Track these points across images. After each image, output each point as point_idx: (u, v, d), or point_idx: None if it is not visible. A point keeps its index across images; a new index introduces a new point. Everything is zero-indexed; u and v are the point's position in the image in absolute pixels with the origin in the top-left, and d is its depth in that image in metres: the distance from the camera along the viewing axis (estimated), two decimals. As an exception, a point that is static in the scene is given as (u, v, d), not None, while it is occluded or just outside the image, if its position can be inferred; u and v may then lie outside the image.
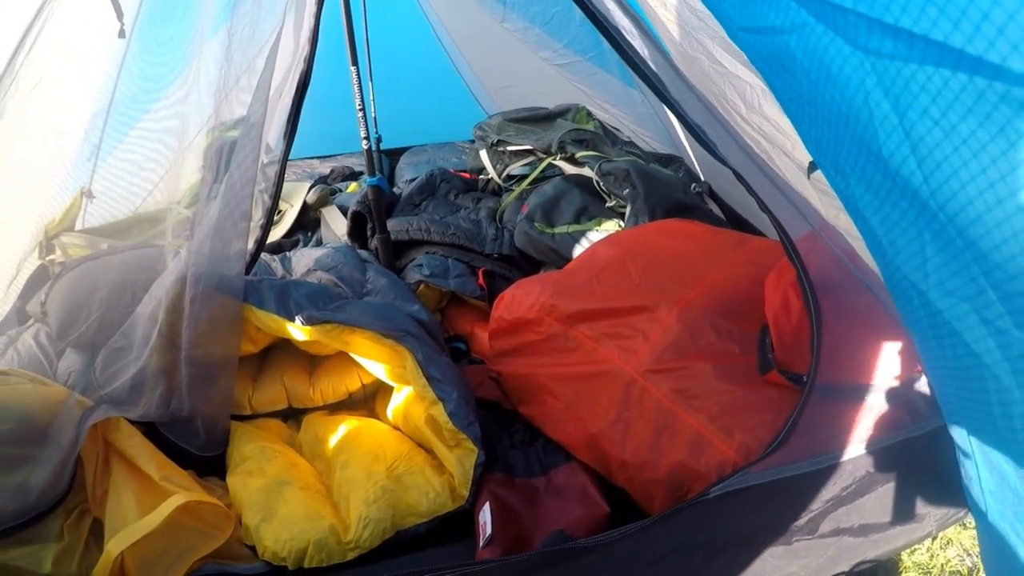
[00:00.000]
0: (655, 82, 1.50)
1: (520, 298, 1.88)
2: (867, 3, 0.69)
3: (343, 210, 3.11)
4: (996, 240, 0.69)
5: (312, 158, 4.31)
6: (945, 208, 0.73)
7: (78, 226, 2.40)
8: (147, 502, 1.54)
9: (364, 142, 2.31)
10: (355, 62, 2.16)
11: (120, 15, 1.84)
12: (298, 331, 1.74)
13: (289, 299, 1.79)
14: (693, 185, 2.65)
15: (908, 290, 0.90)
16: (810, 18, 0.79)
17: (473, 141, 3.30)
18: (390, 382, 1.80)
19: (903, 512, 1.40)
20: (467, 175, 3.16)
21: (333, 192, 3.47)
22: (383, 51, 3.39)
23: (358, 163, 4.11)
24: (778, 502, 1.40)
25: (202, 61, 1.88)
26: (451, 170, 3.17)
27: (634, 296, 1.75)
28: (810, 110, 0.90)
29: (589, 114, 3.13)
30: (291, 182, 3.40)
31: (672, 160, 3.02)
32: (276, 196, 1.96)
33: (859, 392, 1.42)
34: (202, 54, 1.88)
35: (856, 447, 1.39)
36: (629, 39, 1.54)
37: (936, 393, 1.06)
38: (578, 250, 2.33)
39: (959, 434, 1.07)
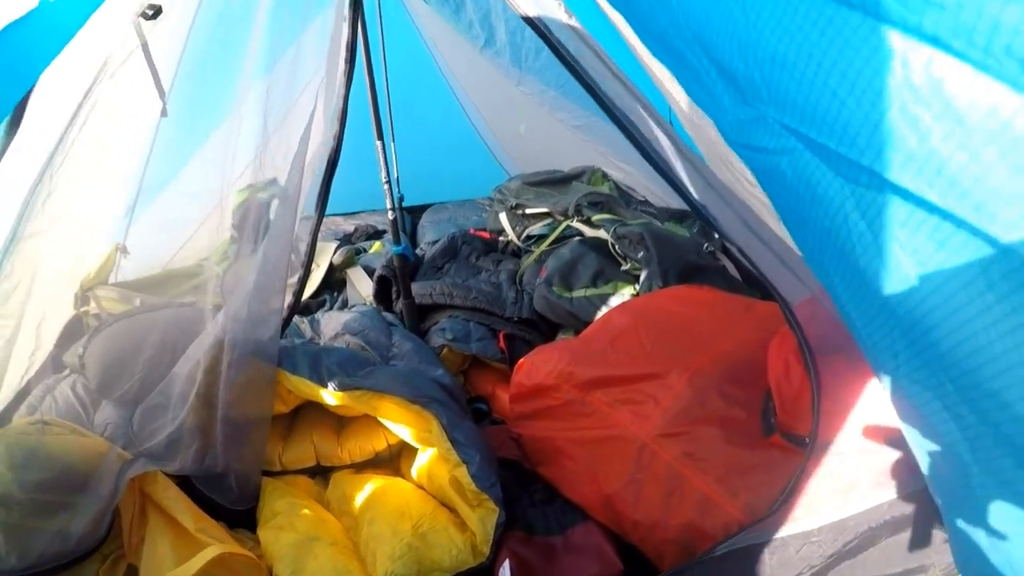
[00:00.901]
0: (660, 163, 1.65)
1: (539, 365, 2.01)
2: (846, 146, 0.85)
3: (368, 271, 3.28)
4: (951, 343, 0.84)
5: (336, 215, 4.48)
6: (910, 314, 0.88)
7: (111, 280, 2.57)
8: (183, 552, 1.67)
9: (390, 212, 2.48)
10: (380, 137, 2.34)
11: (163, 95, 2.02)
12: (330, 396, 1.89)
13: (321, 365, 1.94)
14: (706, 245, 2.77)
15: (883, 376, 1.05)
16: (799, 144, 0.94)
17: (492, 200, 3.49)
18: (415, 444, 1.92)
19: (907, 564, 1.46)
20: (487, 234, 3.32)
21: (358, 252, 3.64)
22: (404, 111, 3.58)
23: (381, 221, 4.31)
24: (781, 559, 1.49)
25: (238, 123, 2.06)
26: (471, 230, 3.34)
27: (646, 363, 1.87)
28: (797, 217, 1.05)
29: (604, 175, 3.30)
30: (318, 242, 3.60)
31: (686, 216, 3.15)
32: (308, 266, 2.12)
33: (860, 450, 1.49)
34: (239, 115, 2.06)
35: (857, 503, 1.46)
36: (635, 121, 1.70)
37: (918, 461, 1.20)
38: (595, 313, 2.46)
39: (939, 500, 1.20)
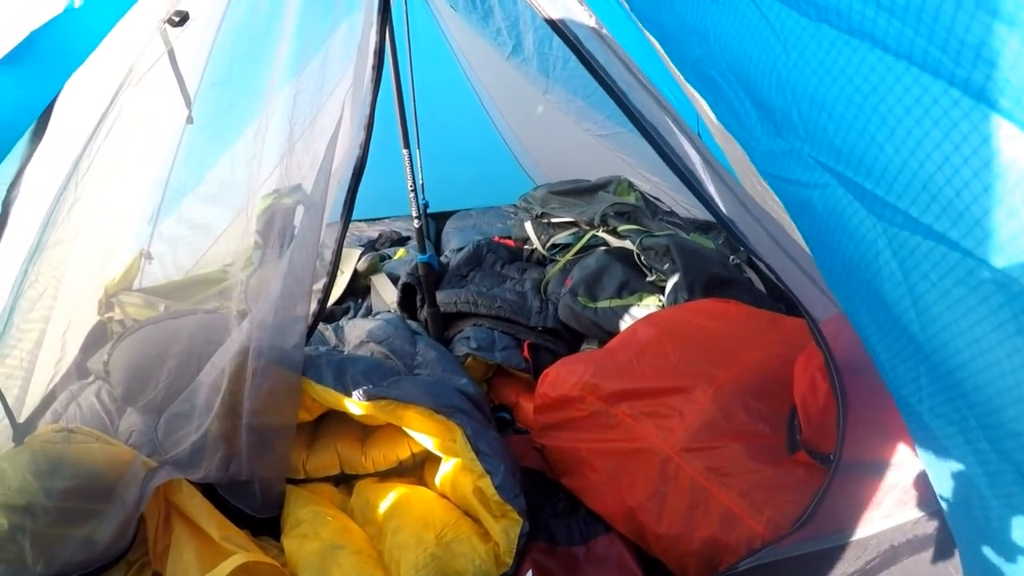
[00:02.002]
0: (688, 175, 1.69)
1: (564, 376, 2.06)
2: (883, 189, 0.89)
3: (392, 278, 3.35)
4: (978, 382, 0.89)
5: (360, 221, 4.58)
6: (937, 352, 0.93)
7: (135, 286, 2.63)
8: (208, 560, 1.73)
9: (416, 221, 2.53)
10: (407, 145, 2.39)
11: (189, 103, 2.07)
12: (355, 406, 1.95)
13: (346, 375, 2.00)
14: (732, 257, 2.82)
15: (905, 407, 1.10)
16: (832, 180, 0.99)
17: (517, 206, 3.54)
18: (439, 453, 1.98)
19: None
20: (511, 242, 3.39)
21: (383, 259, 3.72)
22: (430, 117, 3.63)
23: (405, 227, 4.39)
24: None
25: (264, 129, 2.10)
26: (496, 237, 3.40)
27: (672, 377, 1.92)
28: (826, 249, 1.10)
29: (630, 186, 3.35)
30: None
31: (711, 228, 3.22)
32: (333, 273, 2.17)
33: (883, 469, 1.53)
34: (265, 121, 2.11)
35: (879, 523, 1.50)
36: (664, 133, 1.74)
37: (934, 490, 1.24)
38: (620, 324, 2.52)
39: (953, 530, 1.25)
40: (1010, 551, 1.01)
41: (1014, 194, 0.74)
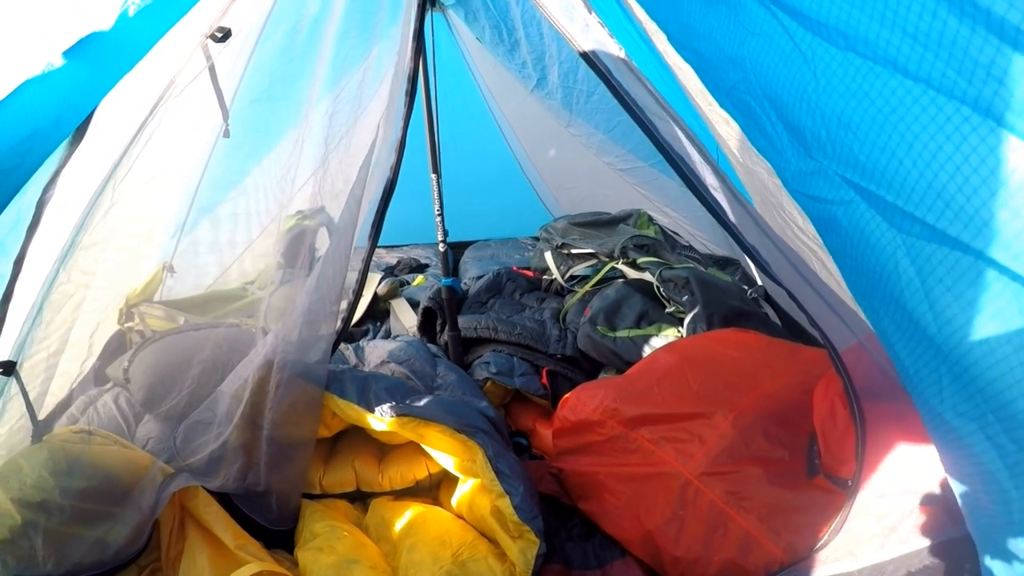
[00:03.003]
0: (715, 207, 1.84)
1: (584, 400, 2.19)
2: (903, 199, 1.05)
3: (411, 303, 3.52)
4: (991, 378, 1.03)
5: (379, 247, 4.68)
6: (954, 352, 1.07)
7: (156, 298, 2.77)
8: (221, 568, 1.84)
9: (441, 245, 2.70)
10: (436, 170, 2.55)
11: (226, 116, 2.24)
12: (378, 422, 2.07)
13: (369, 391, 2.12)
14: (749, 291, 2.95)
15: (929, 410, 1.23)
16: (856, 197, 1.14)
17: (535, 238, 3.72)
18: (457, 473, 2.09)
19: None
20: (530, 273, 3.55)
21: (402, 284, 3.90)
22: (450, 146, 3.80)
23: (423, 255, 4.62)
24: None
25: (299, 149, 2.26)
26: (515, 267, 3.56)
27: (692, 403, 2.05)
28: (852, 263, 1.25)
29: (650, 219, 3.52)
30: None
31: (729, 263, 3.39)
32: (359, 292, 2.31)
33: (901, 495, 1.63)
34: (299, 140, 2.27)
35: (897, 548, 1.60)
36: (692, 165, 1.89)
37: (956, 495, 1.36)
38: (638, 354, 2.64)
39: (975, 534, 1.37)
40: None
41: (1016, 197, 0.89)
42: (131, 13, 1.46)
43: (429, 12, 3.14)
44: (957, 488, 1.30)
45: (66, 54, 1.39)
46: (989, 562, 1.29)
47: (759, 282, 3.08)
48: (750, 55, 1.28)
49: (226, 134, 2.27)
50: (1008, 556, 1.21)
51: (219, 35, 2.07)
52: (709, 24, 1.39)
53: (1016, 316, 0.96)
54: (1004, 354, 1.00)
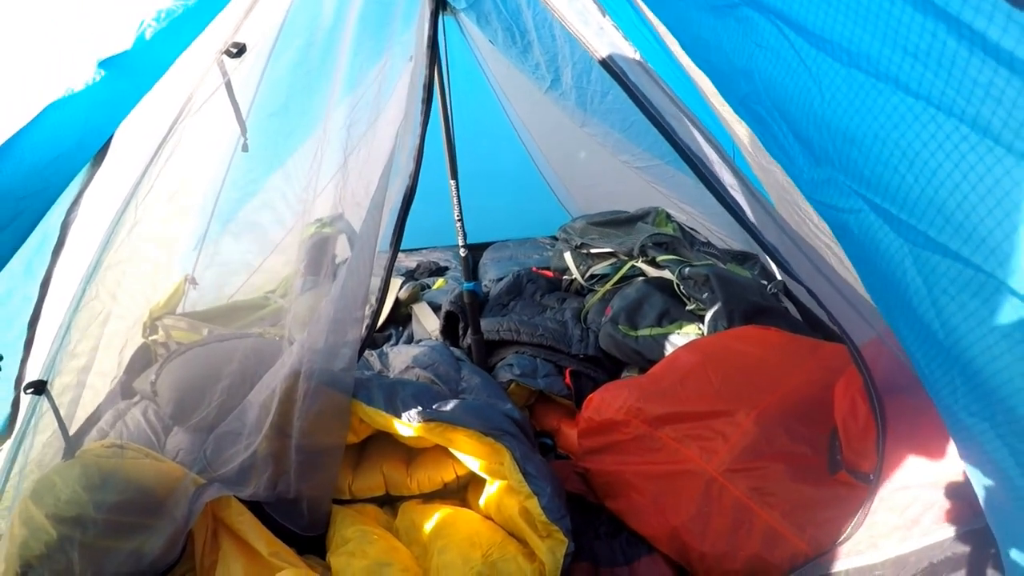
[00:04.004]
0: (733, 205, 1.89)
1: (609, 401, 2.27)
2: (906, 213, 1.12)
3: (433, 306, 3.61)
4: (997, 384, 1.10)
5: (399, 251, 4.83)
6: (962, 357, 1.15)
7: (179, 310, 2.87)
8: (255, 575, 1.92)
9: (462, 250, 2.78)
10: (454, 176, 2.63)
11: (244, 130, 2.33)
12: (405, 427, 2.14)
13: (396, 397, 2.20)
14: (769, 286, 3.02)
15: (945, 408, 1.30)
16: (865, 206, 1.21)
17: (554, 238, 3.81)
18: (484, 476, 2.17)
19: None
20: (550, 273, 3.64)
21: (423, 288, 4.00)
22: (466, 149, 3.87)
23: (442, 257, 4.71)
24: None
25: (319, 159, 2.33)
26: (534, 268, 3.66)
27: (715, 401, 2.13)
28: (865, 266, 1.33)
29: (668, 216, 3.60)
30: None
31: (748, 258, 3.45)
32: (382, 299, 2.40)
33: (923, 488, 1.70)
34: (318, 150, 2.34)
35: (919, 539, 1.65)
36: (710, 165, 1.96)
37: (975, 488, 1.43)
38: (661, 352, 2.72)
39: (994, 527, 1.44)
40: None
41: (1013, 216, 0.96)
42: (148, 36, 1.51)
43: (441, 17, 3.21)
44: (975, 482, 1.36)
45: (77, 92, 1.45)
46: (1009, 555, 1.35)
47: (778, 276, 3.13)
48: (759, 68, 1.35)
49: (244, 148, 2.35)
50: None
51: (234, 51, 2.13)
52: (719, 37, 1.46)
53: (1015, 328, 1.03)
54: (1006, 362, 1.07)
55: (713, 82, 1.77)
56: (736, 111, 1.70)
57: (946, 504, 1.67)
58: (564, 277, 3.64)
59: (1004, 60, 0.92)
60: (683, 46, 1.84)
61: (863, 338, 1.82)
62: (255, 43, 2.22)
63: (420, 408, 2.15)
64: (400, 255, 4.71)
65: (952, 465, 1.66)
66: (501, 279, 3.57)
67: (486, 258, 4.59)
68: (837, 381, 1.97)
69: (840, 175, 1.23)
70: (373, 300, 2.46)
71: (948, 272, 1.10)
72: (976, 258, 1.04)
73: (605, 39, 1.85)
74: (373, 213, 2.22)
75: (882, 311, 1.40)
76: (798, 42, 1.23)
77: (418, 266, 4.66)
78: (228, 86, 2.22)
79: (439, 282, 4.18)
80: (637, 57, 1.87)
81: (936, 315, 1.16)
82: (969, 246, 1.04)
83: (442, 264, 4.69)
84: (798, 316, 3.02)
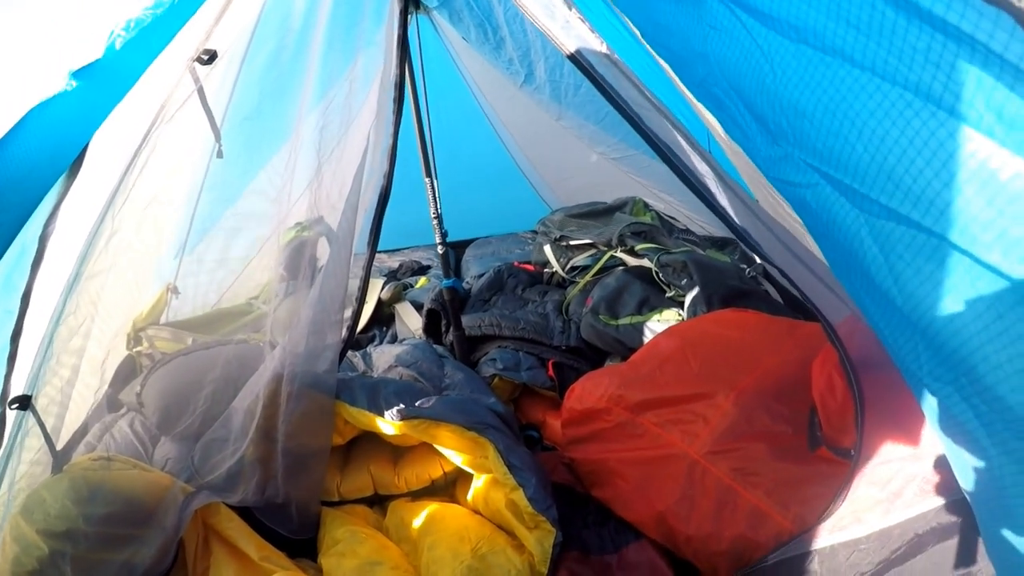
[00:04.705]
0: (702, 191, 1.91)
1: (590, 390, 2.30)
2: (858, 182, 1.14)
3: (415, 305, 3.64)
4: (955, 345, 1.13)
5: (380, 252, 4.84)
6: (921, 322, 1.17)
7: (162, 320, 2.88)
8: (248, 580, 1.93)
9: (440, 247, 2.80)
10: (429, 174, 2.66)
11: (218, 137, 2.35)
12: (388, 426, 2.17)
13: (379, 396, 2.22)
14: (747, 269, 3.05)
15: (911, 376, 1.32)
16: (821, 180, 1.23)
17: (535, 232, 3.83)
18: (470, 470, 2.19)
19: (954, 570, 1.60)
20: (531, 267, 3.67)
21: (405, 288, 4.02)
22: (445, 147, 3.90)
23: (425, 257, 4.75)
24: (831, 566, 1.72)
25: (292, 162, 2.35)
26: (516, 263, 3.69)
27: (694, 384, 2.16)
28: (826, 240, 1.35)
29: (646, 206, 3.64)
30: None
31: (727, 243, 3.49)
32: (362, 300, 2.42)
33: (904, 461, 1.71)
34: (292, 154, 2.36)
35: (902, 512, 1.66)
36: (677, 151, 1.98)
37: (947, 456, 1.45)
38: (641, 340, 2.75)
39: (967, 492, 1.46)
40: (1012, 499, 1.22)
41: (958, 176, 0.99)
42: (118, 46, 1.53)
43: (413, 15, 3.22)
44: (947, 449, 1.39)
45: (49, 100, 1.47)
46: (984, 519, 1.37)
47: (759, 260, 3.14)
48: (714, 50, 1.38)
49: (219, 154, 2.37)
50: (998, 514, 1.30)
51: (205, 58, 2.15)
52: (677, 21, 1.49)
53: (969, 288, 1.05)
54: (963, 323, 1.09)
55: (673, 67, 1.81)
56: (696, 95, 1.73)
57: (929, 476, 1.67)
58: (545, 270, 3.67)
59: (938, 26, 0.95)
60: (645, 35, 1.87)
61: (839, 316, 1.84)
62: (227, 49, 2.24)
63: (402, 406, 2.17)
64: (383, 255, 4.80)
65: (932, 437, 1.63)
66: (483, 275, 3.59)
67: (468, 255, 4.62)
68: (814, 359, 1.99)
69: (795, 150, 1.26)
70: (353, 302, 2.48)
71: (903, 238, 1.12)
72: (927, 221, 1.06)
73: (572, 33, 1.86)
74: (348, 214, 2.24)
75: (844, 285, 1.42)
76: (749, 21, 1.26)
77: (400, 266, 4.68)
78: (200, 92, 2.23)
79: (421, 281, 4.21)
80: (604, 49, 1.89)
81: (894, 282, 1.18)
82: (919, 209, 1.06)
83: (424, 263, 4.74)
84: (779, 299, 3.04)
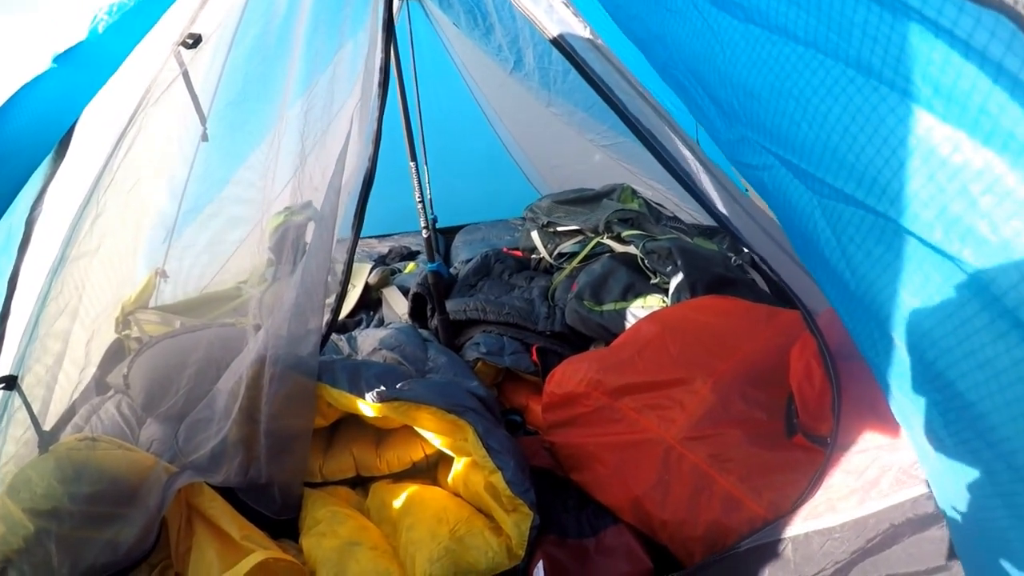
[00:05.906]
0: (684, 178, 1.89)
1: (570, 374, 2.29)
2: (806, 162, 1.13)
3: (403, 290, 3.65)
4: (904, 328, 1.11)
5: (370, 237, 4.94)
6: (873, 303, 1.15)
7: (151, 304, 2.90)
8: (228, 559, 1.94)
9: (424, 231, 2.81)
10: (414, 158, 2.66)
11: (203, 121, 2.36)
12: (368, 407, 2.17)
13: (360, 378, 2.23)
14: (734, 258, 3.04)
15: (870, 361, 1.31)
16: (776, 161, 1.22)
17: (524, 219, 3.82)
18: (450, 453, 2.19)
19: (930, 562, 1.59)
20: (519, 253, 3.66)
21: (393, 272, 4.03)
22: (436, 134, 3.93)
23: (414, 242, 4.75)
24: (804, 554, 1.70)
25: (277, 147, 2.36)
26: (504, 249, 3.69)
27: (672, 370, 2.14)
28: (786, 223, 1.34)
29: (634, 193, 3.62)
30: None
31: (715, 232, 3.49)
32: (345, 284, 2.43)
33: (880, 450, 1.69)
34: (276, 138, 2.37)
35: (878, 502, 1.63)
36: (661, 139, 1.97)
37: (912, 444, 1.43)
38: (625, 326, 2.74)
39: (929, 480, 1.45)
40: (965, 482, 1.21)
41: (899, 152, 0.97)
42: (100, 29, 1.53)
43: (406, 3, 3.22)
44: (910, 437, 1.37)
45: (32, 81, 1.47)
46: (943, 506, 1.36)
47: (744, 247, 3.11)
48: (671, 32, 1.37)
49: (204, 138, 2.38)
50: (956, 500, 1.29)
51: (190, 42, 2.16)
52: (639, 6, 1.48)
53: (915, 268, 1.03)
54: (911, 305, 1.08)
55: (641, 52, 1.79)
56: (662, 79, 1.72)
57: (905, 466, 1.65)
58: (532, 256, 3.66)
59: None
60: (614, 19, 1.86)
61: (820, 305, 1.81)
62: (212, 33, 2.25)
63: (383, 388, 2.17)
64: (372, 240, 4.82)
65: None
66: (471, 260, 3.59)
67: (458, 241, 4.62)
68: (793, 347, 1.98)
69: (749, 132, 1.25)
70: (337, 286, 2.49)
71: (852, 219, 1.11)
72: (871, 200, 1.04)
73: (555, 17, 1.85)
74: (331, 197, 2.24)
75: (808, 269, 1.41)
76: (700, 2, 1.25)
77: (390, 251, 4.70)
78: (186, 76, 2.24)
79: (410, 266, 4.22)
80: (587, 34, 1.88)
81: (847, 265, 1.17)
82: (863, 188, 1.04)
83: (414, 249, 4.74)
84: (765, 288, 3.02)
